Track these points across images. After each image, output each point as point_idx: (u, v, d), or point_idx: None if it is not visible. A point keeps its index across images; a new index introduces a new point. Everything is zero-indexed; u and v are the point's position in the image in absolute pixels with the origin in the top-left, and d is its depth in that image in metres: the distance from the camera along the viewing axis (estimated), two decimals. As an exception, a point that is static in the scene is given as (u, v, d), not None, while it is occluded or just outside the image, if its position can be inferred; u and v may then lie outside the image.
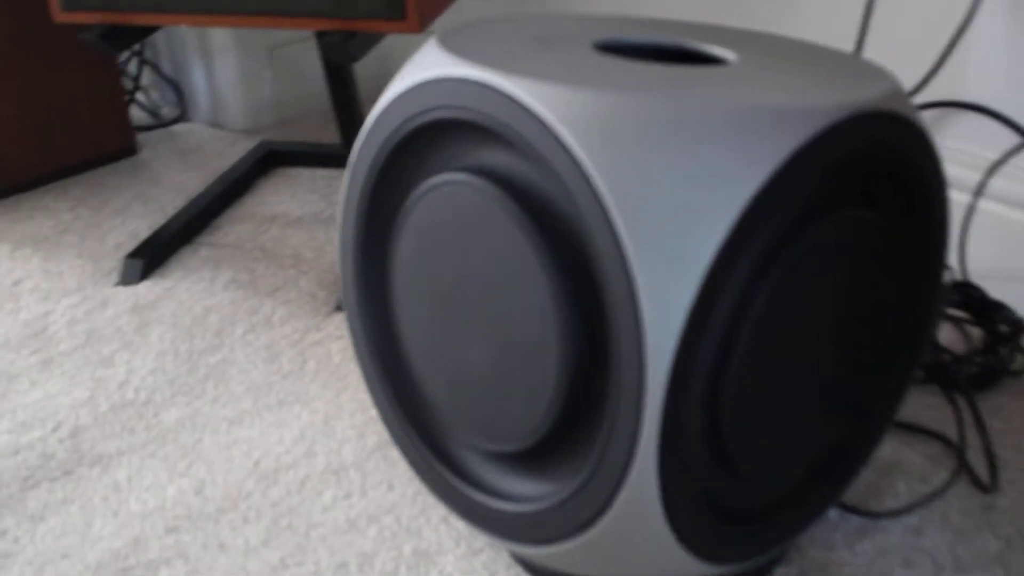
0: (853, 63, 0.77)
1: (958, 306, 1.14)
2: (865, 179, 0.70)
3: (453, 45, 0.71)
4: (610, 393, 0.65)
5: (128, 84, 1.88)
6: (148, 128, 1.83)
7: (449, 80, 0.67)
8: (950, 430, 1.00)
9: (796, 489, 0.76)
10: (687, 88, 0.64)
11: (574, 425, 0.70)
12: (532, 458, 0.73)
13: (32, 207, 1.56)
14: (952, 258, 1.20)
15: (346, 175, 0.78)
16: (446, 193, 0.70)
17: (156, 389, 1.12)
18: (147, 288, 1.31)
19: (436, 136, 0.71)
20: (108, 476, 1.00)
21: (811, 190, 0.65)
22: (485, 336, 0.71)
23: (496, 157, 0.68)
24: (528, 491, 0.73)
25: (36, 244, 1.45)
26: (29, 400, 1.12)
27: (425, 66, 0.70)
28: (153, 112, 1.88)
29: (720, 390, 0.65)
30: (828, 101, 0.65)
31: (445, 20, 1.73)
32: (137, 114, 1.90)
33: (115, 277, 1.35)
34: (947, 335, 1.13)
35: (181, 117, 1.87)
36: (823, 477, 0.78)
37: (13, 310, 1.29)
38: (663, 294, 0.59)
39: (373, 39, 1.19)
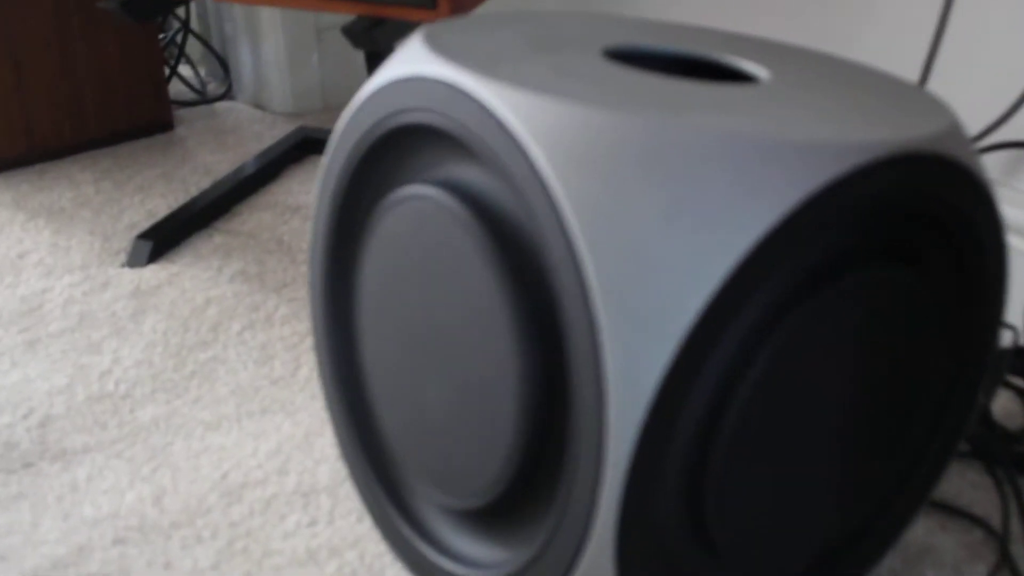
0: (909, 94, 0.66)
1: (1021, 372, 1.02)
2: (903, 231, 0.60)
3: (438, 40, 0.62)
4: (568, 461, 0.56)
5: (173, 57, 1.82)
6: (190, 104, 1.77)
7: (423, 80, 0.58)
8: (995, 516, 0.88)
9: (794, 580, 0.66)
10: (691, 109, 0.54)
11: (533, 486, 0.61)
12: (488, 518, 0.65)
13: (56, 177, 1.51)
14: (1019, 318, 1.08)
15: (318, 179, 0.70)
16: (411, 208, 0.61)
17: (138, 383, 1.05)
18: (152, 272, 1.25)
19: (410, 140, 0.62)
20: (68, 474, 0.93)
21: (829, 242, 0.55)
22: (444, 376, 0.62)
23: (468, 171, 0.59)
24: (480, 555, 0.64)
25: (51, 216, 1.39)
26: (6, 382, 1.06)
27: (404, 61, 0.61)
28: (198, 89, 1.82)
29: (703, 474, 0.55)
30: (864, 137, 0.55)
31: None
32: (181, 89, 1.84)
33: (123, 257, 1.28)
34: (1004, 405, 1.01)
35: (227, 95, 1.81)
36: (836, 564, 0.68)
37: (12, 284, 1.24)
38: (632, 358, 0.50)
39: (403, 28, 1.11)
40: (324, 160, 0.68)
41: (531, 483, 0.61)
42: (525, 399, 0.57)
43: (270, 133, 1.68)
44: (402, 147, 0.63)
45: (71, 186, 1.48)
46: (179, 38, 1.83)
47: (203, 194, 1.40)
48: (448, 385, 0.62)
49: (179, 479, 0.92)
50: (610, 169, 0.50)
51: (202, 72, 1.87)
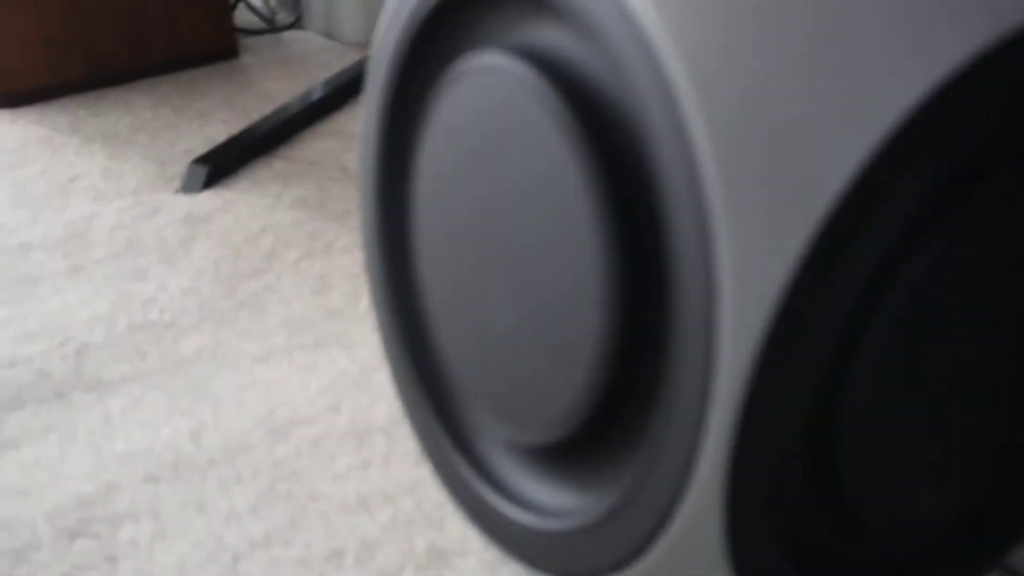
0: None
1: None
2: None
3: None
4: (664, 387, 0.45)
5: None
6: (257, 32, 1.68)
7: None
8: None
9: (940, 547, 0.54)
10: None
11: (619, 418, 0.50)
12: (563, 458, 0.54)
13: (114, 101, 1.43)
14: None
15: (372, 53, 0.59)
16: (478, 82, 0.50)
17: (183, 312, 0.96)
18: (206, 198, 1.16)
19: (478, 2, 0.51)
20: (102, 405, 0.85)
21: (1006, 115, 0.43)
22: (514, 285, 0.52)
23: (546, 33, 0.48)
24: (553, 501, 0.54)
25: (106, 140, 1.31)
26: (46, 309, 0.98)
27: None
28: (266, 16, 1.73)
29: (836, 406, 0.44)
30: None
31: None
32: (249, 18, 1.75)
33: (177, 183, 1.20)
34: None
35: (296, 24, 1.72)
36: (984, 531, 0.56)
37: (60, 208, 1.16)
38: (753, 254, 0.38)
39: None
40: (379, 29, 0.58)
41: (617, 414, 0.51)
42: (612, 309, 0.46)
43: (339, 62, 1.58)
44: (469, 7, 0.52)
45: (128, 111, 1.40)
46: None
47: (265, 119, 1.30)
48: (518, 296, 0.51)
49: (220, 414, 0.83)
50: (730, 17, 0.39)
51: (272, 2, 1.78)
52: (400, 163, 0.60)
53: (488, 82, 0.50)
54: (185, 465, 0.77)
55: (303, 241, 1.06)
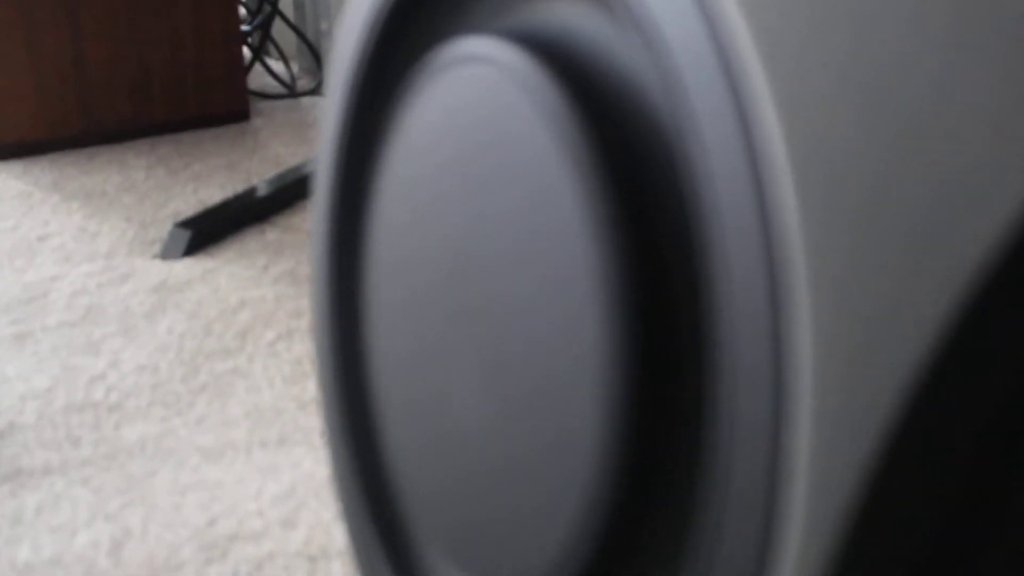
0: None
1: None
2: None
3: None
4: (699, 523, 0.30)
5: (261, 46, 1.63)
6: (275, 97, 1.57)
7: None
8: None
9: None
10: None
11: (632, 571, 0.35)
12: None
13: (107, 160, 1.31)
14: None
15: (335, 44, 0.46)
16: (455, 78, 0.36)
17: (133, 393, 0.82)
18: (185, 266, 1.02)
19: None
20: (15, 501, 0.70)
21: None
22: (490, 365, 0.37)
23: (558, 11, 0.34)
24: None
25: (88, 199, 1.19)
26: (-24, 380, 0.84)
27: None
28: (287, 83, 1.62)
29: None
30: None
31: None
32: (268, 82, 1.64)
33: (157, 248, 1.07)
34: None
35: (316, 90, 1.60)
36: None
37: (21, 268, 1.02)
38: (852, 336, 0.24)
39: None
40: (340, 28, 0.44)
41: (627, 567, 0.36)
42: (623, 402, 0.31)
43: (358, 132, 1.45)
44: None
45: (120, 170, 1.28)
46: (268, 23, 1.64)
47: (264, 184, 1.18)
48: (492, 385, 0.36)
49: (151, 521, 0.68)
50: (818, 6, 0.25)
51: (295, 68, 1.67)
52: (357, 197, 0.46)
53: (467, 78, 0.36)
54: (95, 584, 0.62)
55: (283, 319, 0.92)
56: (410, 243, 0.41)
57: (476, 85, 0.36)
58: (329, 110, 0.47)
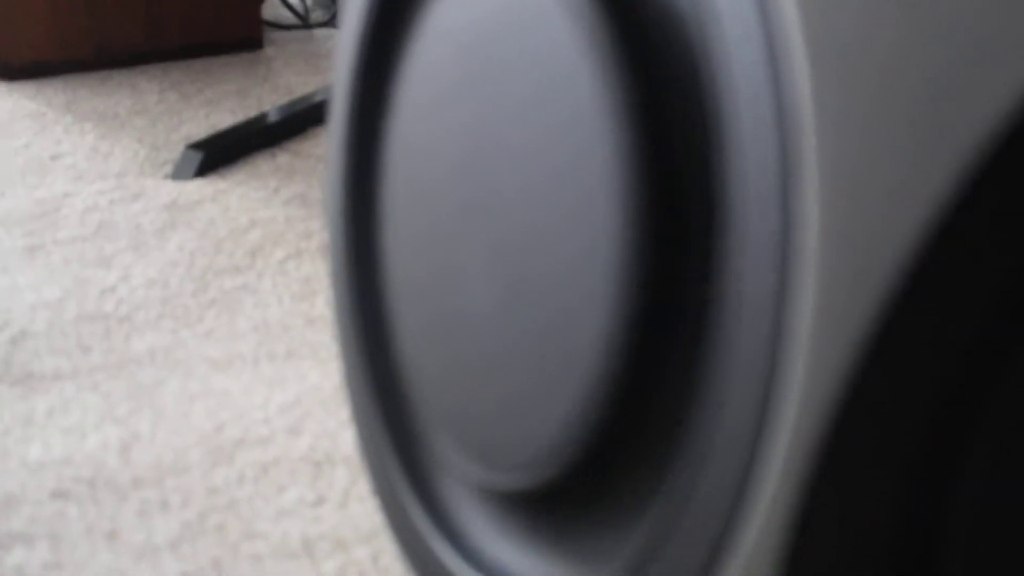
0: None
1: None
2: None
3: None
4: (700, 414, 0.31)
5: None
6: (288, 27, 1.57)
7: None
8: None
9: None
10: None
11: (627, 460, 0.36)
12: (549, 511, 0.39)
13: (120, 83, 1.31)
14: None
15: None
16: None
17: (143, 306, 0.83)
18: (196, 186, 1.03)
19: None
20: (25, 403, 0.71)
21: None
22: (499, 261, 0.37)
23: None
24: (529, 570, 0.39)
25: (100, 121, 1.19)
26: (-11, 289, 0.85)
27: None
28: (300, 13, 1.61)
29: (956, 478, 0.29)
30: None
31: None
32: (282, 13, 1.63)
33: (168, 169, 1.07)
34: None
35: (330, 22, 1.60)
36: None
37: (34, 185, 1.03)
38: (859, 215, 0.24)
39: None
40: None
41: (624, 454, 0.37)
42: (628, 290, 0.32)
43: (370, 64, 1.45)
44: None
45: (132, 94, 1.28)
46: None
47: (276, 109, 1.18)
48: (503, 275, 0.37)
49: (159, 426, 0.69)
50: None
51: (309, 0, 1.67)
52: (376, 109, 0.46)
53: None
54: (104, 483, 0.64)
55: (293, 240, 0.93)
56: (426, 137, 0.42)
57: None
58: (348, 25, 0.47)
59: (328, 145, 0.53)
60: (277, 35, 1.54)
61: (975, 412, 0.28)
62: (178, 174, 1.05)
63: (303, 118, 1.17)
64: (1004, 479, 0.28)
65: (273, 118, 1.15)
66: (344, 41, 0.49)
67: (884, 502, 0.29)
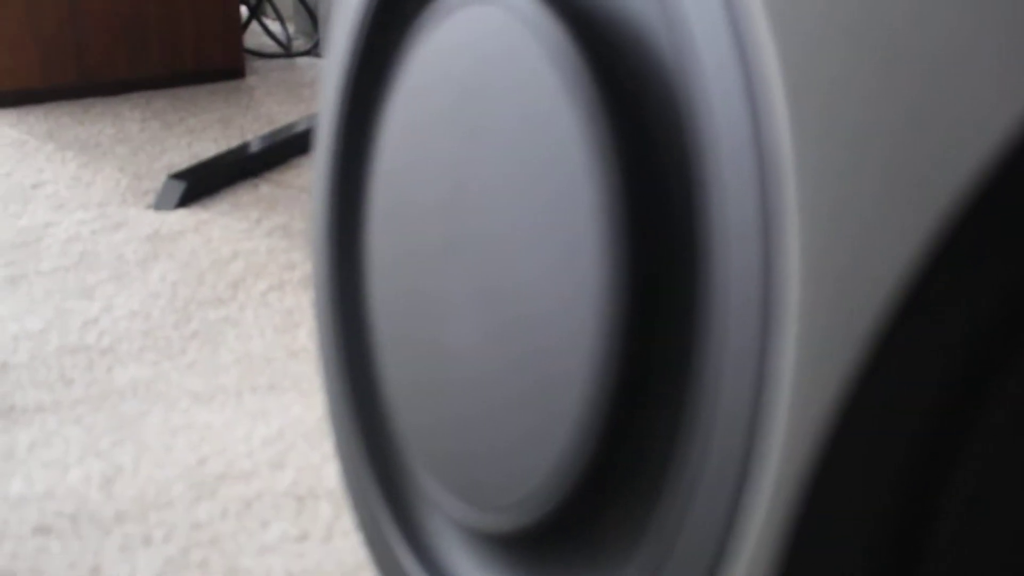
0: None
1: None
2: None
3: None
4: (688, 449, 0.32)
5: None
6: (271, 56, 1.57)
7: None
8: None
9: None
10: None
11: (616, 499, 0.37)
12: (536, 553, 0.40)
13: (102, 111, 1.31)
14: None
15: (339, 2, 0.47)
16: (465, 22, 0.38)
17: (125, 337, 0.83)
18: (178, 217, 1.03)
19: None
20: (7, 436, 0.71)
21: None
22: (481, 304, 0.38)
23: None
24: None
25: (83, 149, 1.19)
26: (-30, 320, 0.85)
27: None
28: (282, 42, 1.62)
29: (941, 498, 0.29)
30: None
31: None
32: (265, 42, 1.64)
33: (151, 199, 1.07)
34: None
35: (312, 51, 1.61)
36: None
37: (15, 214, 1.03)
38: (839, 283, 0.25)
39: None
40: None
41: (612, 494, 0.37)
42: (619, 333, 0.33)
43: (352, 93, 1.46)
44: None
45: (115, 122, 1.28)
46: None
47: (258, 139, 1.18)
48: (486, 318, 0.38)
49: (142, 460, 0.69)
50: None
51: (291, 29, 1.68)
52: (361, 142, 0.47)
53: (471, 17, 0.38)
54: (87, 518, 0.63)
55: (276, 271, 0.93)
56: (410, 176, 0.43)
57: (480, 23, 0.37)
58: (334, 58, 0.48)
59: (313, 176, 0.53)
60: (259, 64, 1.54)
61: (956, 450, 0.28)
62: (160, 204, 1.05)
63: (285, 148, 1.17)
64: (981, 512, 0.29)
65: (255, 148, 1.16)
66: (330, 71, 0.50)
67: (865, 541, 0.30)
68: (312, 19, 1.64)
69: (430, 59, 0.41)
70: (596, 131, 0.33)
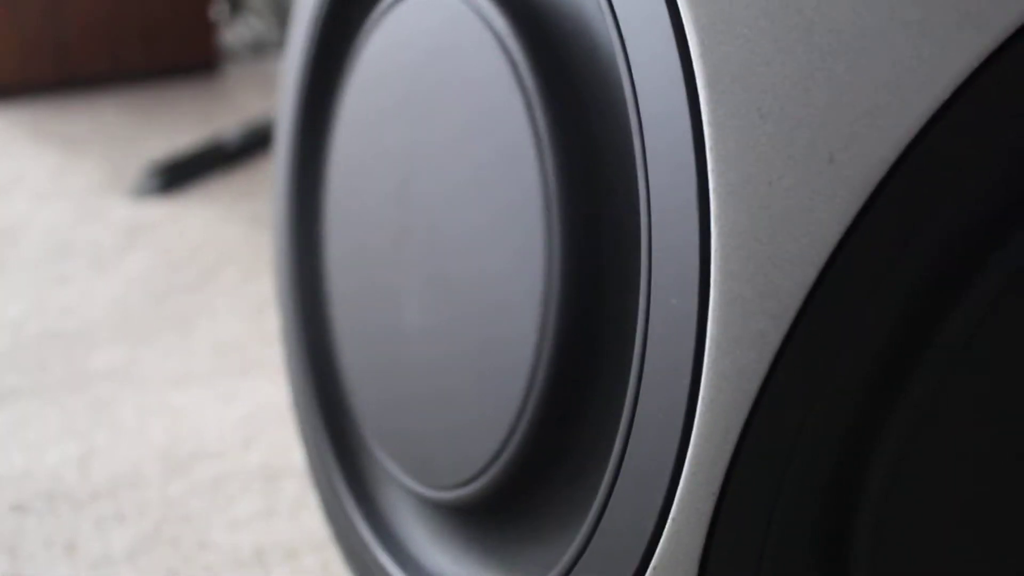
0: None
1: None
2: None
3: None
4: (619, 424, 0.34)
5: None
6: (245, 51, 1.59)
7: None
8: None
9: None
10: None
11: (555, 474, 0.39)
12: (486, 522, 0.43)
13: (81, 105, 1.34)
14: None
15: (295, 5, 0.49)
16: (413, 13, 0.40)
17: (101, 324, 0.85)
18: (155, 207, 1.06)
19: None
20: (-14, 420, 0.74)
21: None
22: (431, 288, 0.41)
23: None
24: None
25: (62, 143, 1.21)
26: (-50, 307, 0.87)
27: None
28: (258, 37, 1.64)
29: (863, 471, 0.32)
30: None
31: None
32: (240, 35, 1.66)
33: (128, 190, 1.10)
34: None
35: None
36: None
37: (-6, 204, 1.05)
38: (761, 266, 0.28)
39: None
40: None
41: (554, 470, 0.40)
42: (555, 327, 0.35)
43: (328, 86, 1.49)
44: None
45: (93, 116, 1.30)
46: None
47: (233, 131, 1.21)
48: (435, 301, 0.40)
49: (117, 440, 0.71)
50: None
51: (267, 24, 1.70)
52: (319, 135, 0.49)
53: (423, 13, 0.40)
54: (62, 496, 0.66)
55: (248, 258, 0.96)
56: (364, 166, 0.45)
57: (427, 16, 0.40)
58: (292, 52, 0.51)
59: (275, 166, 0.56)
60: (235, 57, 1.56)
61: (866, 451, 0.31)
62: (137, 195, 1.08)
63: (259, 139, 1.20)
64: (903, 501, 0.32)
65: (229, 140, 1.18)
66: (288, 66, 0.52)
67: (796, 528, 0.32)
68: (286, 14, 1.66)
69: (381, 52, 0.43)
70: (539, 122, 0.36)
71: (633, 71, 0.31)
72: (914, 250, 0.28)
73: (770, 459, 0.30)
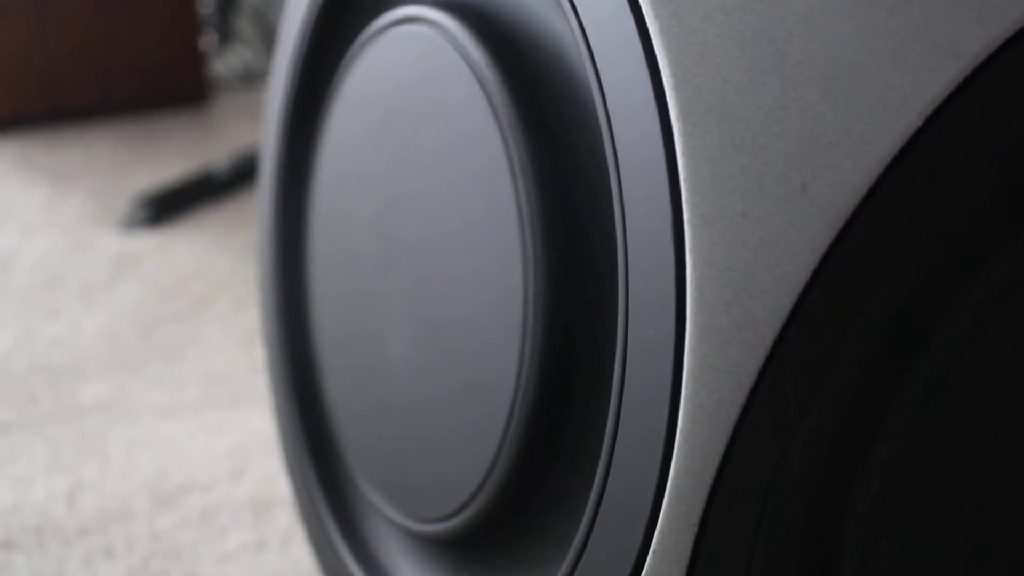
0: None
1: None
2: None
3: None
4: (600, 455, 0.34)
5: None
6: (234, 81, 1.60)
7: None
8: None
9: None
10: None
11: (543, 505, 0.39)
12: (472, 552, 0.43)
13: (71, 136, 1.34)
14: None
15: (283, 19, 0.50)
16: (395, 43, 0.41)
17: (91, 356, 0.85)
18: (144, 238, 1.06)
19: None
20: (-26, 454, 0.73)
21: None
22: (414, 319, 0.41)
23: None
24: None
25: (51, 174, 1.22)
26: (-61, 341, 0.87)
27: None
28: (247, 68, 1.65)
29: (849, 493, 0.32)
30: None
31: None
32: (229, 65, 1.67)
33: (117, 222, 1.10)
34: None
35: (278, 74, 1.63)
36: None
37: (-16, 238, 1.05)
38: (740, 292, 0.28)
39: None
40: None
41: (535, 501, 0.39)
42: (538, 352, 0.35)
43: (318, 114, 1.49)
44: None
45: (83, 147, 1.30)
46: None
47: (222, 162, 1.21)
48: (418, 332, 0.40)
49: (106, 473, 0.71)
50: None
51: (256, 54, 1.71)
52: (303, 161, 0.50)
53: (399, 37, 0.40)
54: (51, 531, 0.66)
55: (237, 290, 0.96)
56: (347, 192, 0.45)
57: (407, 44, 0.40)
58: (277, 80, 0.51)
59: (259, 197, 0.56)
60: (224, 88, 1.57)
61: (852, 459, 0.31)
62: (127, 227, 1.08)
63: (249, 170, 1.20)
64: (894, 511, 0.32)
65: (219, 171, 1.18)
66: (272, 94, 0.52)
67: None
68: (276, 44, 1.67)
69: (362, 83, 0.43)
70: (514, 154, 0.36)
71: (608, 102, 0.31)
72: (889, 278, 0.28)
73: (750, 490, 0.30)
